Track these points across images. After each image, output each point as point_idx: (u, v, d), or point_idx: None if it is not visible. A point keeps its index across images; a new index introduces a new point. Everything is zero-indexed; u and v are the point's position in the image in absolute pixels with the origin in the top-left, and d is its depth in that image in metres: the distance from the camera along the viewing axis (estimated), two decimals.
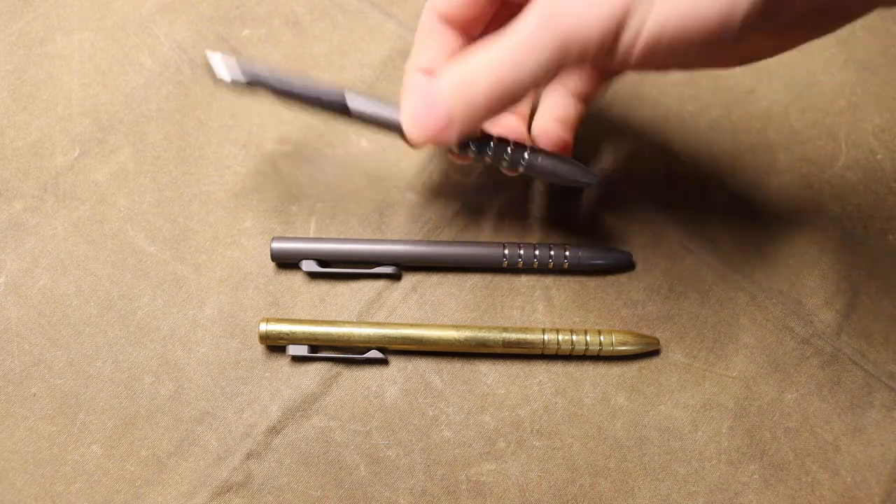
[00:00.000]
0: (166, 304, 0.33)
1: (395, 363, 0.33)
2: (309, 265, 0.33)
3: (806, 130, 0.37)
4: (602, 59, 0.24)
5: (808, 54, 0.38)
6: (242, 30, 0.38)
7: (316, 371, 0.33)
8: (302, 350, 0.32)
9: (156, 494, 0.31)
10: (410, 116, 0.27)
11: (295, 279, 0.34)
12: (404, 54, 0.38)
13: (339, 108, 0.28)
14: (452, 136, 0.26)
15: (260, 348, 0.33)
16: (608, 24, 0.23)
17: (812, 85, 0.37)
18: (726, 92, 0.37)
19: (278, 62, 0.38)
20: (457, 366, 0.33)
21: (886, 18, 0.38)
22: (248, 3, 0.39)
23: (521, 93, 0.25)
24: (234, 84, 0.27)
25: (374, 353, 0.32)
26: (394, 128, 0.28)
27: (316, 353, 0.33)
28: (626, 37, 0.23)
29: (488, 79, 0.24)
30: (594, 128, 0.37)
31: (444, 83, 0.26)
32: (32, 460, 0.31)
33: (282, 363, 0.33)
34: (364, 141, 0.36)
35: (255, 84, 0.27)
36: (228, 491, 0.31)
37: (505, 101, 0.25)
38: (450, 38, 0.29)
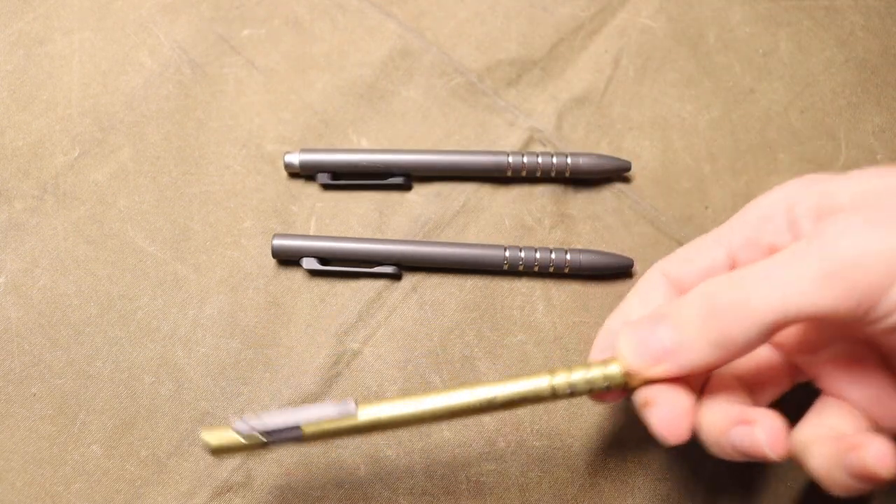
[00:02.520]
0: (166, 304, 0.33)
1: (396, 362, 0.33)
2: (310, 263, 0.33)
3: (806, 130, 0.37)
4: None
5: (809, 54, 0.38)
6: (242, 30, 0.38)
7: (316, 370, 0.33)
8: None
9: (156, 494, 0.31)
10: (637, 342, 0.24)
11: (295, 279, 0.34)
12: (404, 54, 0.38)
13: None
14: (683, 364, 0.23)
15: (260, 347, 0.33)
16: (886, 263, 0.21)
17: (812, 85, 0.37)
18: (726, 92, 0.37)
19: (278, 62, 0.38)
20: (456, 366, 0.33)
21: (886, 18, 0.38)
22: (248, 3, 0.39)
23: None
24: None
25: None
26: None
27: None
28: None
29: (755, 314, 0.22)
30: (594, 128, 0.37)
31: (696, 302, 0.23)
32: (32, 460, 0.31)
33: (283, 362, 0.33)
34: (364, 141, 0.36)
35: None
36: (228, 491, 0.31)
37: (757, 344, 0.22)
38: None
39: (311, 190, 0.36)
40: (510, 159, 0.35)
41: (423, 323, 0.34)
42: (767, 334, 0.22)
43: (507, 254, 0.33)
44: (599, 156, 0.35)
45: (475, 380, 0.33)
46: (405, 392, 0.33)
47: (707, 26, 0.38)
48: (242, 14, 0.39)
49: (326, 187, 0.36)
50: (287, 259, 0.34)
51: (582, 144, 0.36)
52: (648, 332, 0.24)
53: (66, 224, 0.35)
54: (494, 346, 0.33)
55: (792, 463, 0.24)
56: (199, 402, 0.32)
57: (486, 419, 0.32)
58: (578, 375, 0.24)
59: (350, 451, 0.32)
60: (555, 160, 0.35)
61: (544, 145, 0.36)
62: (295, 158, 0.35)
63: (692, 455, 0.32)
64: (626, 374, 0.24)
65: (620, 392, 0.25)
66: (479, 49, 0.38)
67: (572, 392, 0.24)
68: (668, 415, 0.24)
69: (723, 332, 0.22)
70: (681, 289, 0.26)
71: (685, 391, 0.24)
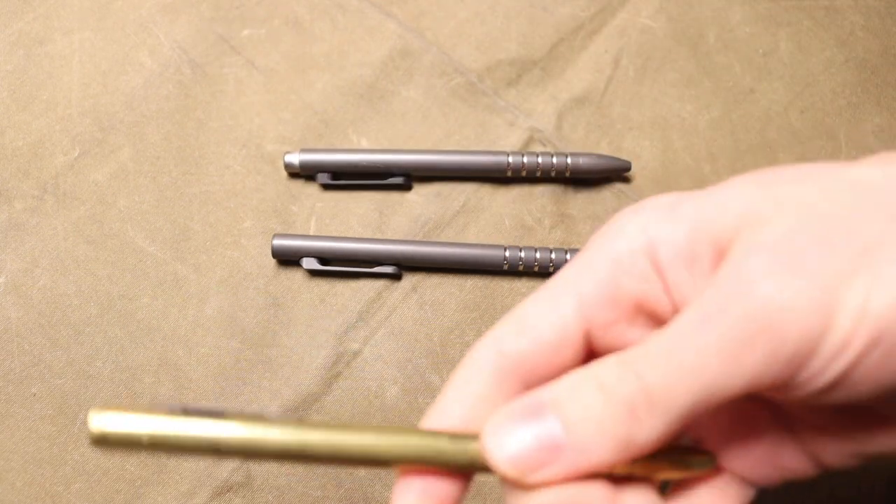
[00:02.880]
0: (166, 304, 0.33)
1: (396, 362, 0.33)
2: (309, 263, 0.34)
3: (806, 130, 0.37)
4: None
5: (809, 54, 0.38)
6: (242, 30, 0.38)
7: (316, 370, 0.33)
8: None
9: (156, 494, 0.31)
10: (587, 419, 0.18)
11: (295, 279, 0.34)
12: (404, 54, 0.38)
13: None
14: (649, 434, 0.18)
15: (260, 347, 0.33)
16: (817, 310, 0.17)
17: (812, 85, 0.37)
18: (726, 92, 0.37)
19: (278, 62, 0.38)
20: (456, 364, 0.33)
21: (886, 18, 0.38)
22: (248, 3, 0.39)
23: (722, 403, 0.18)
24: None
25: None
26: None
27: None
28: (838, 331, 0.17)
29: (696, 379, 0.18)
30: (594, 128, 0.37)
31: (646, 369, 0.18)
32: (32, 460, 0.31)
33: (283, 362, 0.33)
34: (364, 141, 0.36)
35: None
36: (228, 491, 0.31)
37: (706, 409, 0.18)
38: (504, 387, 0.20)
39: (311, 190, 0.36)
40: (510, 159, 0.35)
41: (423, 323, 0.34)
42: (682, 426, 0.18)
43: (507, 254, 0.33)
44: (599, 156, 0.35)
45: None
46: (406, 391, 0.33)
47: (707, 26, 0.38)
48: (242, 14, 0.39)
49: (326, 187, 0.36)
50: (287, 259, 0.34)
51: (582, 144, 0.36)
52: (528, 424, 0.19)
53: (66, 224, 0.35)
54: None
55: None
56: (199, 402, 0.32)
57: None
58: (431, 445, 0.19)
59: None
60: (555, 160, 0.35)
61: (544, 145, 0.36)
62: (295, 158, 0.35)
63: None
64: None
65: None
66: (479, 49, 0.38)
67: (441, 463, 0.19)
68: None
69: (628, 430, 0.18)
70: (523, 369, 0.20)
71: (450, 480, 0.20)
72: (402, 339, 0.33)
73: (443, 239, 0.35)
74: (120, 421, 0.17)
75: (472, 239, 0.35)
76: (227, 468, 0.31)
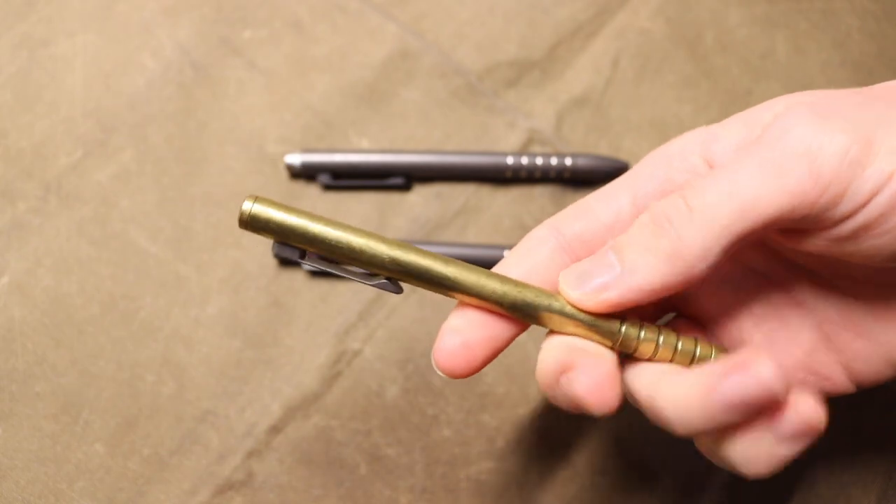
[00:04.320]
0: (168, 304, 0.34)
1: (396, 361, 0.33)
2: (310, 262, 0.34)
3: None
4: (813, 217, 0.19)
5: (806, 56, 0.38)
6: (244, 31, 0.38)
7: (317, 370, 0.33)
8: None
9: (158, 492, 0.31)
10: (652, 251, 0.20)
11: (296, 279, 0.34)
12: (404, 55, 0.38)
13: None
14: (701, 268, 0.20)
15: (261, 347, 0.33)
16: (855, 141, 0.19)
17: (809, 86, 0.38)
18: (724, 93, 0.38)
19: (280, 63, 0.38)
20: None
21: (882, 21, 0.39)
22: (250, 5, 0.39)
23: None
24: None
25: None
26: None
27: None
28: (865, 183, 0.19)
29: (733, 207, 0.19)
30: (593, 129, 0.37)
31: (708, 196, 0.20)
32: (36, 458, 0.31)
33: (284, 362, 0.33)
34: (365, 141, 0.37)
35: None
36: (230, 489, 0.31)
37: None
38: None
39: (311, 190, 0.36)
40: (510, 160, 0.35)
41: (423, 323, 0.34)
42: (729, 246, 0.19)
43: (507, 254, 0.34)
44: (598, 157, 0.35)
45: (475, 378, 0.33)
46: (406, 391, 0.33)
47: (705, 28, 0.39)
48: (244, 16, 0.39)
49: (327, 188, 0.36)
50: (287, 259, 0.34)
51: (581, 145, 0.37)
52: (593, 263, 0.21)
53: (68, 224, 0.35)
54: None
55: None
56: (200, 402, 0.32)
57: (486, 418, 0.32)
58: (523, 294, 0.22)
59: (351, 450, 0.32)
60: (554, 161, 0.35)
61: (543, 146, 0.37)
62: (296, 159, 0.35)
63: (692, 454, 0.32)
64: (570, 307, 0.21)
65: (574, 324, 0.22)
66: (479, 51, 0.38)
67: (512, 306, 0.21)
68: (593, 379, 0.20)
69: (679, 246, 0.19)
70: (579, 246, 0.23)
71: (605, 351, 0.22)
72: (402, 338, 0.34)
73: (443, 239, 0.35)
74: (262, 209, 0.22)
75: (472, 239, 0.35)
76: (229, 466, 0.31)
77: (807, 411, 0.19)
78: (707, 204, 0.19)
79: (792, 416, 0.19)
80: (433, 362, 0.22)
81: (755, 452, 0.20)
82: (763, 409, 0.19)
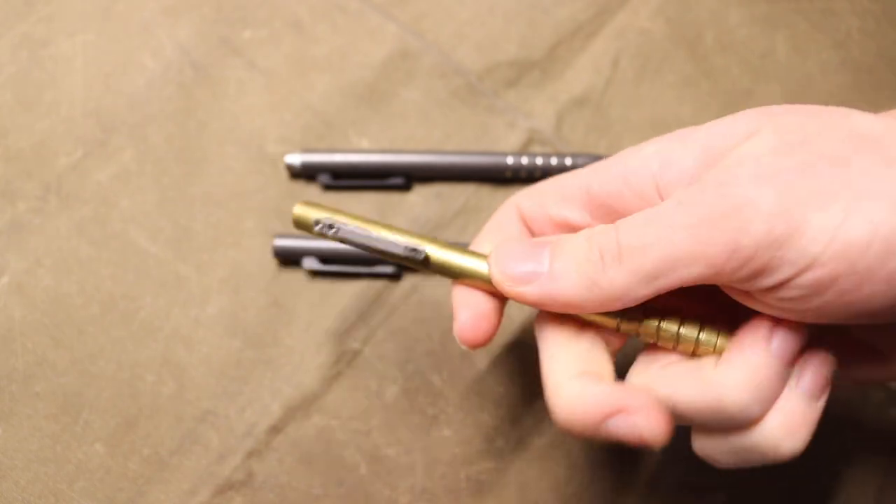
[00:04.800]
0: (168, 304, 0.34)
1: (396, 361, 0.33)
2: (310, 263, 0.34)
3: None
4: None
5: (805, 56, 0.38)
6: (244, 31, 0.38)
7: (317, 370, 0.33)
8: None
9: (158, 492, 0.31)
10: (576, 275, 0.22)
11: (296, 279, 0.34)
12: (404, 56, 0.38)
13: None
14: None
15: (261, 347, 0.33)
16: (782, 215, 0.19)
17: (809, 86, 0.38)
18: (724, 94, 0.38)
19: (280, 63, 0.38)
20: (456, 365, 0.33)
21: (882, 21, 0.39)
22: (250, 5, 0.39)
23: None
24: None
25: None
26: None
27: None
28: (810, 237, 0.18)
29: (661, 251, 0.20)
30: (593, 129, 0.37)
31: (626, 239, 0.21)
32: (36, 458, 0.31)
33: (284, 362, 0.33)
34: (365, 142, 0.37)
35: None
36: (230, 489, 0.31)
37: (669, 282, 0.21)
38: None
39: (311, 190, 0.36)
40: (510, 160, 0.35)
41: (423, 323, 0.34)
42: (652, 293, 0.21)
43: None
44: (598, 157, 0.35)
45: (475, 378, 0.33)
46: (406, 391, 0.33)
47: (705, 28, 0.39)
48: (244, 16, 0.39)
49: (327, 188, 0.36)
50: (288, 259, 0.34)
51: (581, 145, 0.37)
52: (527, 251, 0.23)
53: (69, 224, 0.35)
54: (494, 346, 0.33)
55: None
56: (200, 401, 0.32)
57: (486, 418, 0.32)
58: (447, 254, 0.25)
59: (351, 450, 0.32)
60: (554, 161, 0.35)
61: (544, 146, 0.37)
62: (296, 159, 0.35)
63: (692, 454, 0.32)
64: (488, 280, 0.24)
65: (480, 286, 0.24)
66: (479, 51, 0.38)
67: (429, 265, 0.25)
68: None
69: (594, 273, 0.21)
70: (531, 226, 0.26)
71: (491, 297, 0.24)
72: (402, 339, 0.34)
73: (443, 239, 0.35)
74: (307, 210, 0.25)
75: (471, 239, 0.35)
76: (229, 466, 0.31)
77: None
78: (635, 249, 0.20)
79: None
80: (457, 338, 0.24)
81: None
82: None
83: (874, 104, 0.37)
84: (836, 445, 0.32)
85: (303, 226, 0.25)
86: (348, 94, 0.37)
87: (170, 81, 0.37)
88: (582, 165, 0.35)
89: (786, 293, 0.19)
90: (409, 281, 0.34)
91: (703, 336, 0.23)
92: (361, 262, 0.34)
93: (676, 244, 0.20)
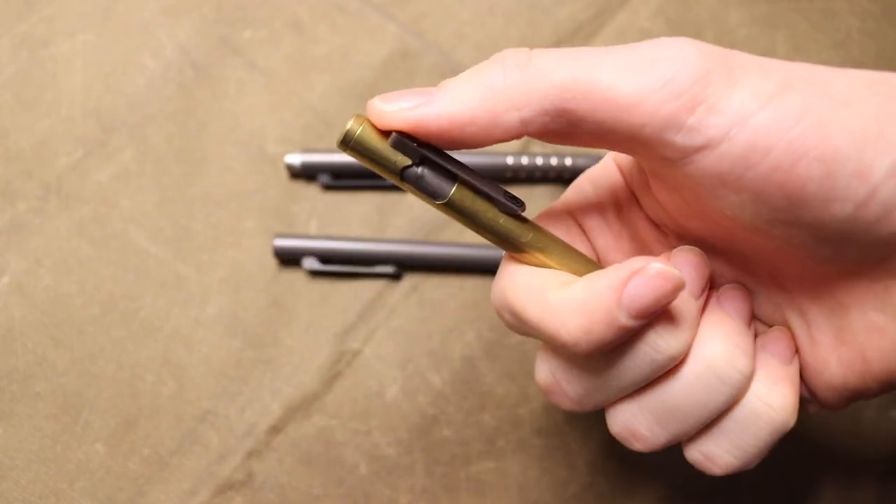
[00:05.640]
0: (168, 304, 0.34)
1: (396, 361, 0.33)
2: (310, 263, 0.34)
3: None
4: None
5: (805, 56, 0.38)
6: (244, 31, 0.38)
7: (317, 370, 0.33)
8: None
9: (158, 492, 0.31)
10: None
11: (296, 279, 0.34)
12: (404, 56, 0.38)
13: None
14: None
15: (261, 347, 0.33)
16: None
17: None
18: None
19: (280, 63, 0.38)
20: (456, 365, 0.33)
21: (882, 21, 0.39)
22: (250, 5, 0.39)
23: None
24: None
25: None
26: None
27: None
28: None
29: None
30: None
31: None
32: (36, 458, 0.31)
33: (284, 362, 0.33)
34: None
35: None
36: (230, 489, 0.31)
37: None
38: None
39: (311, 190, 0.36)
40: (510, 160, 0.35)
41: (423, 323, 0.34)
42: (550, 109, 0.19)
43: None
44: (598, 157, 0.35)
45: (475, 379, 0.33)
46: (406, 391, 0.33)
47: (705, 28, 0.39)
48: (244, 16, 0.39)
49: (327, 188, 0.36)
50: (288, 259, 0.34)
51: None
52: (415, 89, 0.20)
53: (69, 224, 0.35)
54: (494, 346, 0.33)
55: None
56: (200, 401, 0.32)
57: (486, 418, 0.32)
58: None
59: (351, 450, 0.32)
60: (554, 161, 0.35)
61: (544, 146, 0.37)
62: (296, 159, 0.35)
63: None
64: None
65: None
66: (479, 51, 0.38)
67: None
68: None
69: (501, 82, 0.19)
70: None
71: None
72: (402, 339, 0.34)
73: (443, 239, 0.35)
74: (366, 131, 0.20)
75: (471, 239, 0.35)
76: (229, 466, 0.31)
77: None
78: (548, 60, 0.18)
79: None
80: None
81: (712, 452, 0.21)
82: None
83: None
84: (838, 448, 0.32)
85: (362, 146, 0.20)
86: (348, 94, 0.37)
87: (170, 81, 0.37)
88: (582, 165, 0.35)
89: (713, 155, 0.17)
90: (409, 281, 0.34)
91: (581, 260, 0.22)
92: (361, 261, 0.34)
93: (598, 67, 0.18)
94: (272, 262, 0.34)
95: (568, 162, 0.35)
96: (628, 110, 0.18)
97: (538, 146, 0.37)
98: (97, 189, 0.35)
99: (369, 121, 0.20)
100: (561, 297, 0.19)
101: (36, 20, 0.39)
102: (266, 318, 0.34)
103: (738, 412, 0.21)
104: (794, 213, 0.18)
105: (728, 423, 0.21)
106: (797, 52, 0.38)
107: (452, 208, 0.21)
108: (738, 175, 0.18)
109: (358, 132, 0.20)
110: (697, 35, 0.38)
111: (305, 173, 0.36)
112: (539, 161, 0.35)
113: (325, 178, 0.36)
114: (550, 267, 0.21)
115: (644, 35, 0.38)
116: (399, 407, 0.33)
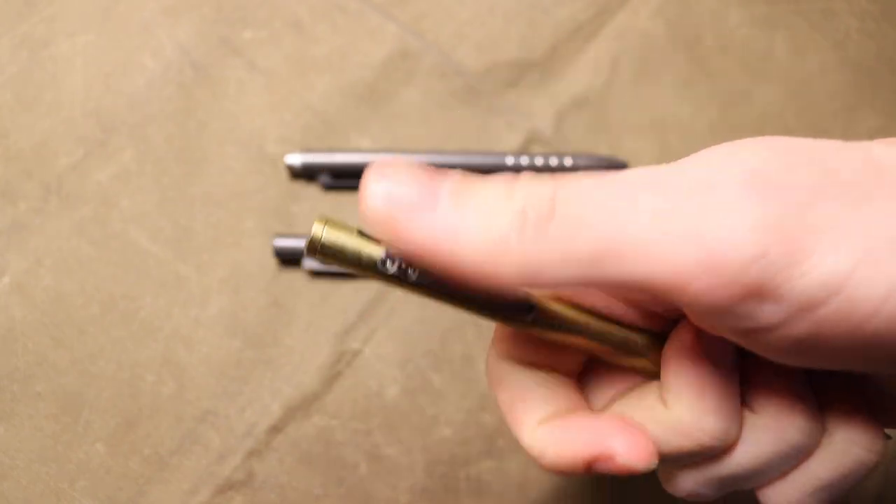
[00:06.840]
0: (168, 304, 0.34)
1: (396, 361, 0.33)
2: (310, 262, 0.34)
3: (802, 132, 0.37)
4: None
5: (805, 57, 0.38)
6: (244, 31, 0.39)
7: (317, 370, 0.33)
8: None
9: (158, 492, 0.31)
10: None
11: (296, 279, 0.34)
12: (404, 56, 0.38)
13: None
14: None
15: (261, 347, 0.33)
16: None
17: (808, 87, 0.38)
18: (723, 94, 0.38)
19: (280, 63, 0.38)
20: (456, 365, 0.33)
21: (881, 21, 0.39)
22: (250, 5, 0.39)
23: None
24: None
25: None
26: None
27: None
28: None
29: None
30: (593, 129, 0.37)
31: None
32: (37, 458, 0.31)
33: (284, 362, 0.33)
34: (365, 142, 0.37)
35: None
36: (230, 489, 0.31)
37: None
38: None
39: (312, 191, 0.36)
40: (510, 160, 0.35)
41: (423, 323, 0.34)
42: (569, 286, 0.17)
43: None
44: (598, 157, 0.35)
45: (475, 378, 0.33)
46: (406, 391, 0.33)
47: (704, 29, 0.39)
48: (244, 16, 0.39)
49: (327, 188, 0.36)
50: (288, 259, 0.34)
51: (581, 146, 0.37)
52: (418, 176, 0.16)
53: (69, 224, 0.35)
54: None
55: None
56: (200, 401, 0.32)
57: (486, 418, 0.32)
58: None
59: (351, 450, 0.32)
60: (554, 161, 0.35)
61: (543, 146, 0.37)
62: (296, 159, 0.35)
63: None
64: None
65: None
66: (479, 51, 0.38)
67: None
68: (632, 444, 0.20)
69: (512, 238, 0.15)
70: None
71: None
72: (402, 338, 0.34)
73: None
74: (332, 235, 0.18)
75: None
76: (229, 466, 0.32)
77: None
78: (572, 220, 0.15)
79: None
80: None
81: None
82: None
83: (873, 105, 0.37)
84: None
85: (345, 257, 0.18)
86: (348, 94, 0.37)
87: (170, 81, 0.37)
88: (582, 165, 0.35)
89: (769, 337, 0.15)
90: None
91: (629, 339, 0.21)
92: None
93: (636, 229, 0.15)
94: (272, 262, 0.35)
95: (568, 162, 0.35)
96: (666, 290, 0.15)
97: (537, 146, 0.37)
98: (97, 189, 0.35)
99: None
100: (539, 434, 0.20)
101: (36, 20, 0.39)
102: (266, 318, 0.34)
103: (731, 462, 0.21)
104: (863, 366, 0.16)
105: (718, 469, 0.21)
106: (797, 53, 0.38)
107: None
108: (799, 351, 0.16)
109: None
110: (697, 36, 0.38)
111: (305, 173, 0.36)
112: (539, 161, 0.35)
113: (325, 178, 0.36)
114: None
115: (644, 35, 0.38)
116: (399, 407, 0.33)
